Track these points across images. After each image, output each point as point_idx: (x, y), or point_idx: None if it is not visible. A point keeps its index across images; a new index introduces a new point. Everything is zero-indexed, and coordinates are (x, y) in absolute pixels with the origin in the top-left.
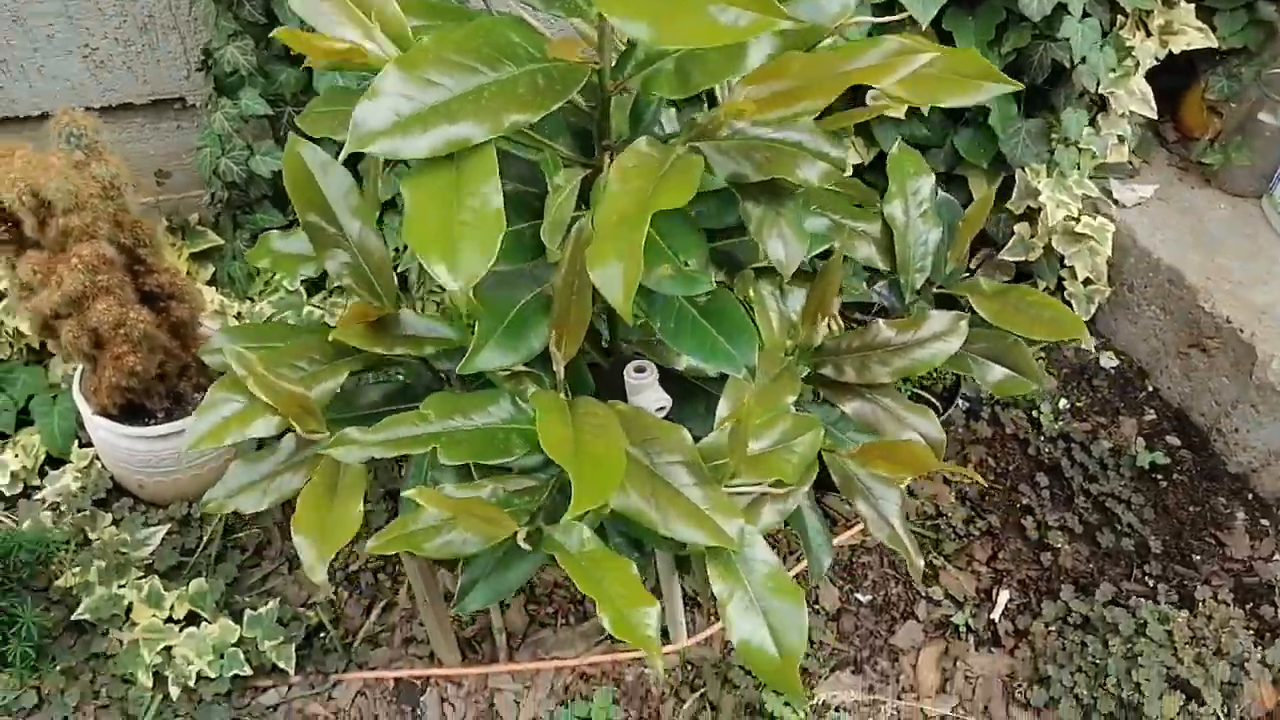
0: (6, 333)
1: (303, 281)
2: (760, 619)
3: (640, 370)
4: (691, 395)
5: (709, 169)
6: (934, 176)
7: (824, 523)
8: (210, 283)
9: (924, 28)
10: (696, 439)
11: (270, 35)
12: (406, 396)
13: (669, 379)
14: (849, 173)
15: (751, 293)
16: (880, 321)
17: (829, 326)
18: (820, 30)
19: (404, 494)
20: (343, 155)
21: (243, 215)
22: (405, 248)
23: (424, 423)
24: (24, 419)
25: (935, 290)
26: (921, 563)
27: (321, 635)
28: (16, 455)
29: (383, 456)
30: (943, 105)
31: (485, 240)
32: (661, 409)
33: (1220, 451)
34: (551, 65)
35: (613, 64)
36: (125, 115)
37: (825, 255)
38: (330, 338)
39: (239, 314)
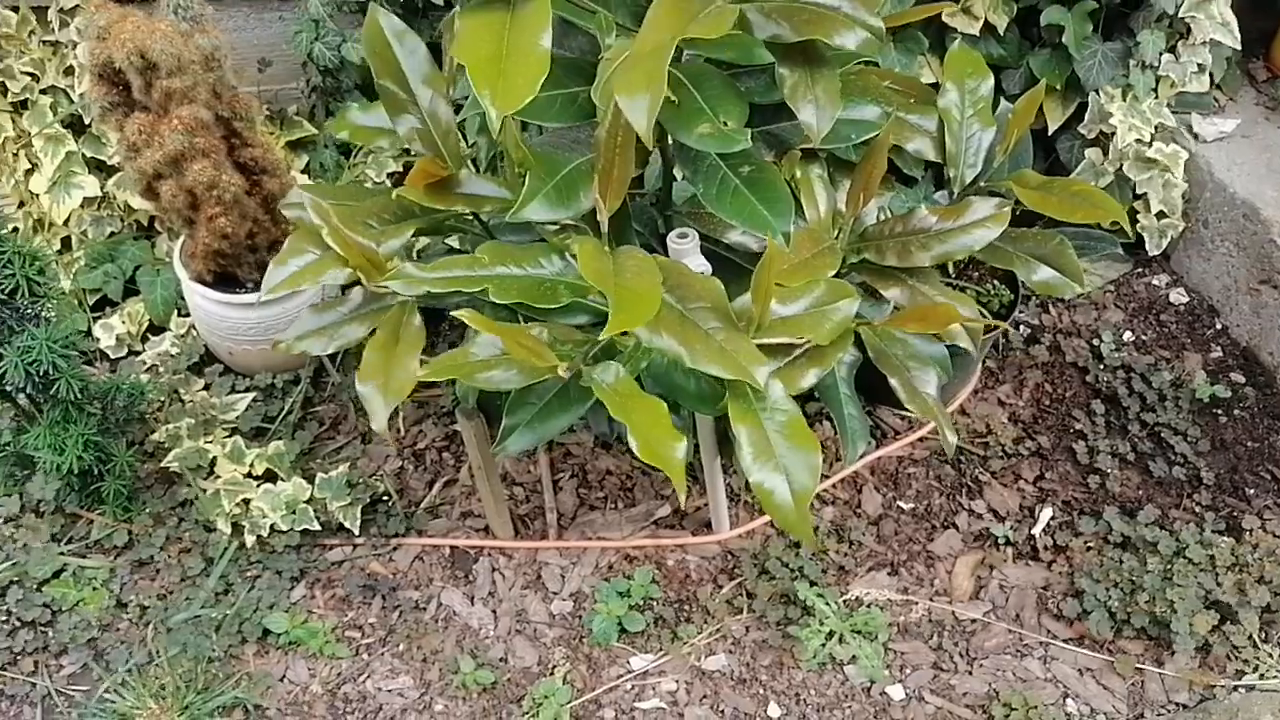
0: (118, 207)
1: (389, 174)
2: (775, 461)
3: (683, 236)
4: (737, 271)
5: (749, 29)
6: (993, 78)
7: (861, 410)
8: (304, 171)
9: None
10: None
11: None
12: None
13: (715, 257)
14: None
15: (799, 173)
16: (923, 207)
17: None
18: None
19: (453, 314)
20: (398, 22)
21: (335, 103)
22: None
23: (478, 265)
24: (130, 289)
25: (984, 185)
26: (954, 439)
27: (386, 501)
28: (122, 321)
29: (439, 291)
30: None
31: (529, 76)
32: (701, 274)
33: None
34: None
35: None
36: (234, 3)
37: None
38: (395, 194)
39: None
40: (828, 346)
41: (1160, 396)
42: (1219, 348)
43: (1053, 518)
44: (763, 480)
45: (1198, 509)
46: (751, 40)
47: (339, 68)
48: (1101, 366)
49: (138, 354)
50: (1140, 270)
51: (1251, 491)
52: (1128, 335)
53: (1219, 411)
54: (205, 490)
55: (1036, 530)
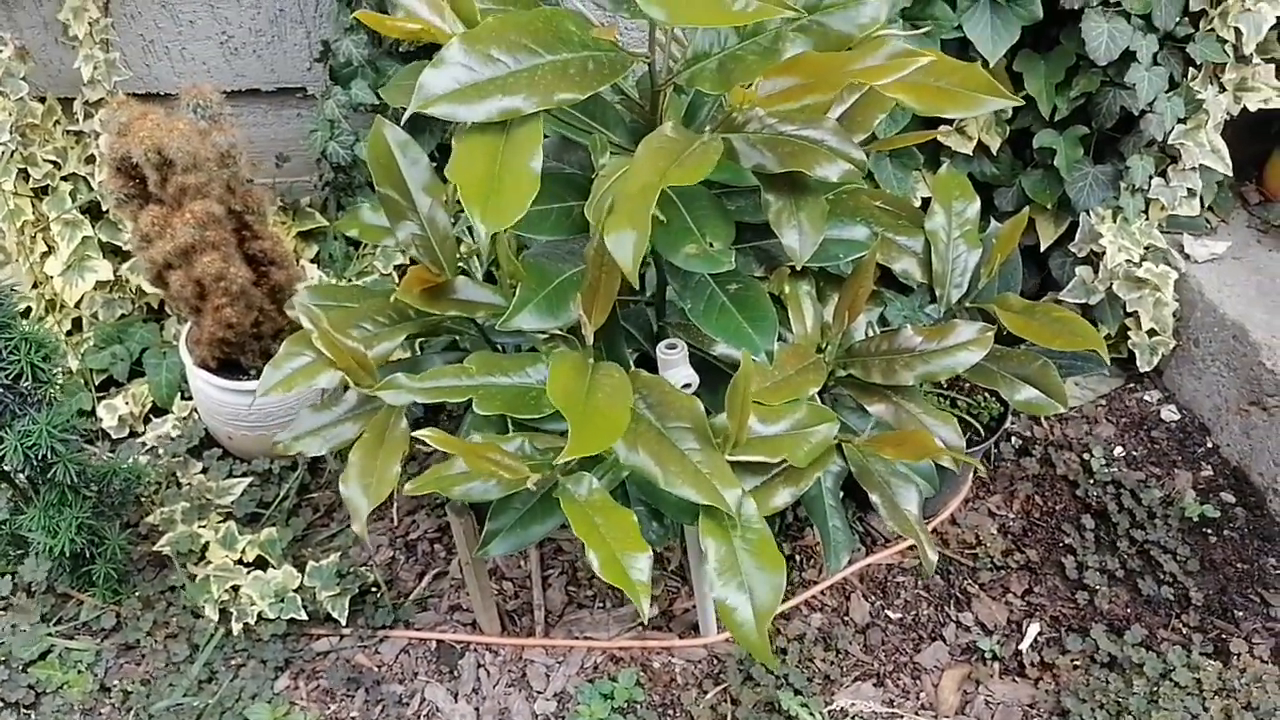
0: (130, 290)
1: (396, 267)
2: (740, 579)
3: (671, 347)
4: (724, 383)
5: (735, 159)
6: (979, 201)
7: (846, 521)
8: (314, 261)
9: (992, 65)
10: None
11: (354, 14)
12: None
13: (705, 366)
14: (918, 203)
15: (787, 289)
16: (909, 326)
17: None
18: (849, 38)
19: (416, 434)
20: (406, 115)
21: (346, 198)
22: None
23: (465, 375)
24: (136, 370)
25: (969, 305)
26: (935, 557)
27: (374, 592)
28: (126, 402)
29: (425, 402)
30: (946, 115)
31: (520, 194)
32: (688, 386)
33: (1276, 513)
34: (602, 53)
35: (666, 62)
36: (252, 100)
37: None
38: (392, 299)
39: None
40: (805, 468)
41: (1150, 514)
42: (1210, 466)
43: (1040, 633)
44: (726, 597)
45: (1185, 630)
46: (739, 166)
47: (351, 165)
48: (1092, 481)
49: (139, 435)
50: (1132, 385)
51: (1240, 614)
52: (1119, 450)
53: (1209, 531)
54: (195, 576)
55: (1024, 646)
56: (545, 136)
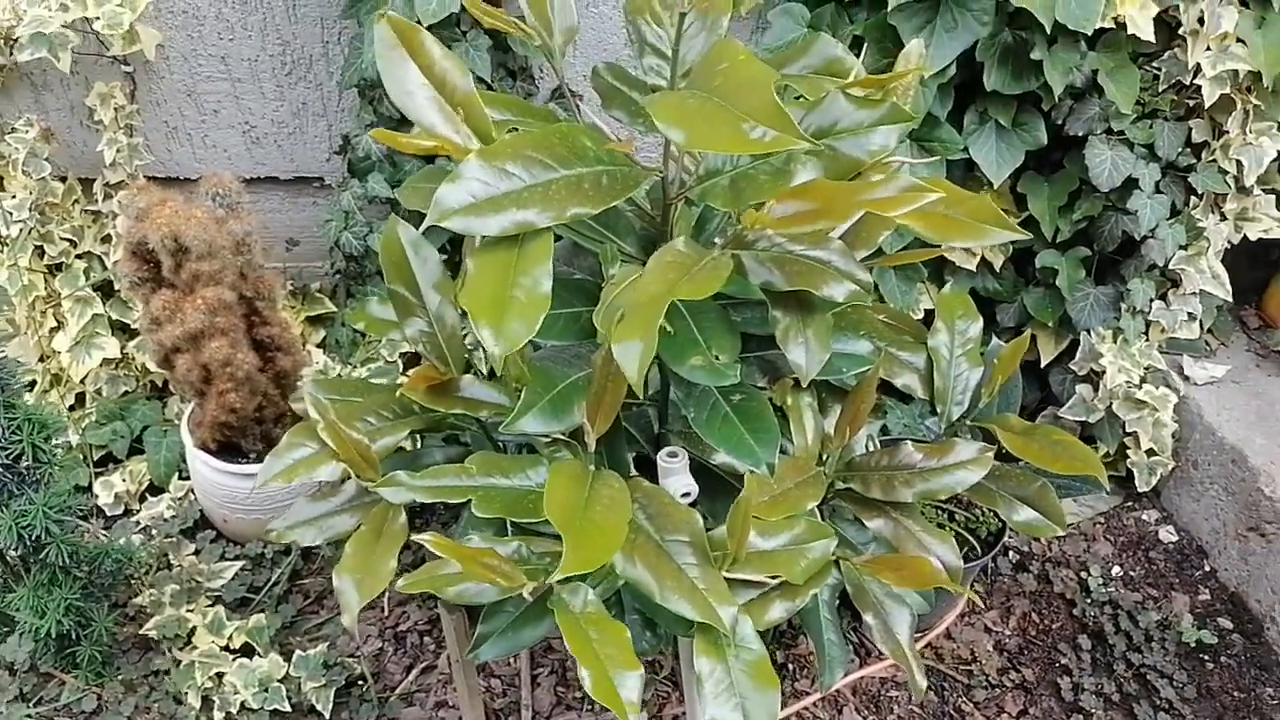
0: (135, 368)
1: (401, 354)
2: (736, 700)
3: (672, 455)
4: (724, 490)
5: (744, 274)
6: (981, 320)
7: (842, 637)
8: (321, 345)
9: (996, 186)
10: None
11: (357, 135)
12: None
13: (705, 473)
14: (919, 317)
15: (789, 400)
16: (908, 443)
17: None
18: (859, 163)
19: (415, 537)
20: (423, 227)
21: (356, 286)
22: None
23: (466, 476)
24: (136, 448)
25: (970, 424)
26: (924, 683)
27: (361, 685)
28: (123, 479)
29: (425, 500)
30: (954, 243)
31: (530, 315)
32: (687, 495)
33: (1273, 641)
34: (616, 168)
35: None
36: (270, 187)
37: None
38: (398, 394)
39: (339, 375)
40: (801, 585)
41: (1147, 637)
42: (1207, 590)
43: None
44: (721, 717)
45: None
46: (746, 281)
47: (364, 255)
48: (1089, 600)
49: (134, 513)
50: (1130, 504)
51: None
52: (1116, 570)
53: (1206, 657)
54: (180, 661)
55: None
56: (557, 239)
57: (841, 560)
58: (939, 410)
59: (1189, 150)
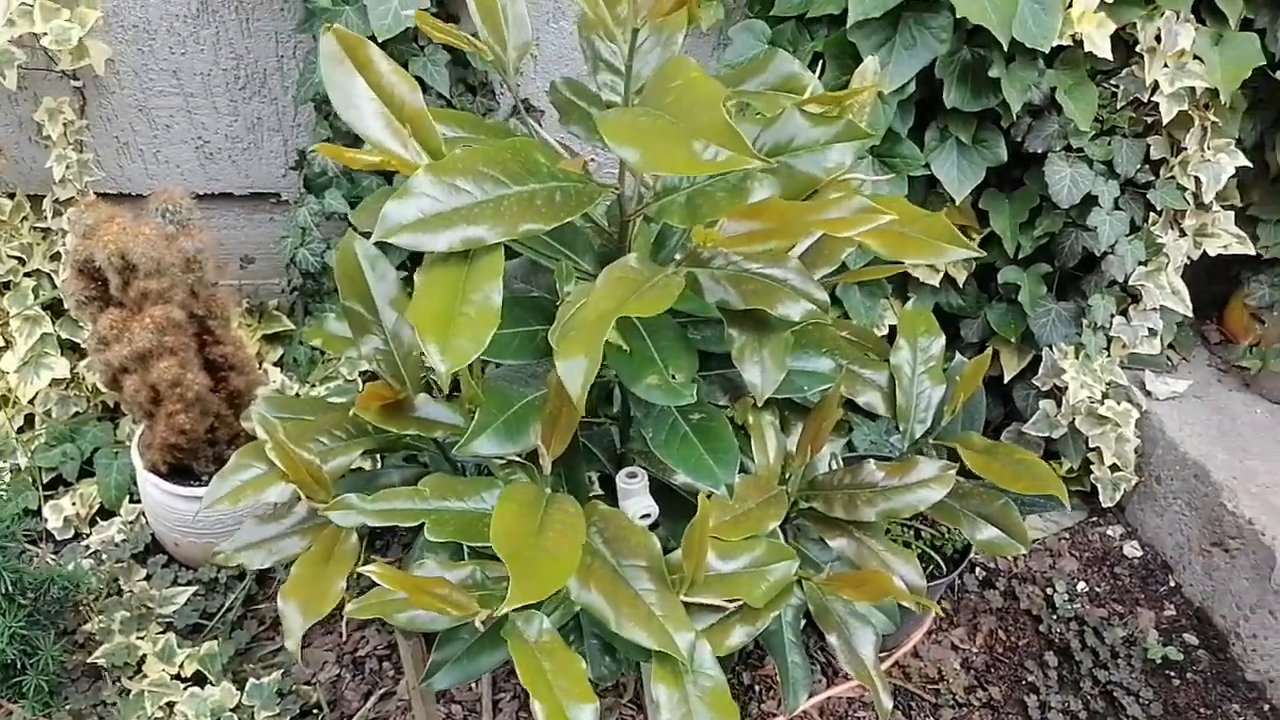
0: (86, 388)
1: (360, 373)
2: None
3: (632, 476)
4: (686, 511)
5: (699, 292)
6: (944, 338)
7: (806, 658)
8: (278, 364)
9: (958, 203)
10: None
11: (312, 150)
12: None
13: (665, 493)
14: (883, 332)
15: (750, 419)
16: (871, 461)
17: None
18: (816, 180)
19: (362, 569)
20: (370, 241)
21: (314, 304)
22: None
23: (419, 498)
24: (87, 470)
25: (933, 442)
26: (890, 704)
27: (316, 714)
28: (73, 503)
29: (376, 524)
30: (911, 261)
31: (478, 332)
32: (647, 516)
33: (1238, 656)
34: (570, 184)
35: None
36: (224, 203)
37: None
38: (351, 413)
39: (296, 394)
40: (762, 608)
41: (1113, 653)
42: (1172, 606)
43: None
44: None
45: None
46: (705, 300)
47: (321, 271)
48: (1055, 617)
49: (84, 537)
50: (1095, 520)
51: None
52: (1081, 586)
53: (1172, 673)
54: (129, 691)
55: None
56: (517, 256)
57: (804, 580)
58: (902, 428)
59: (1148, 167)
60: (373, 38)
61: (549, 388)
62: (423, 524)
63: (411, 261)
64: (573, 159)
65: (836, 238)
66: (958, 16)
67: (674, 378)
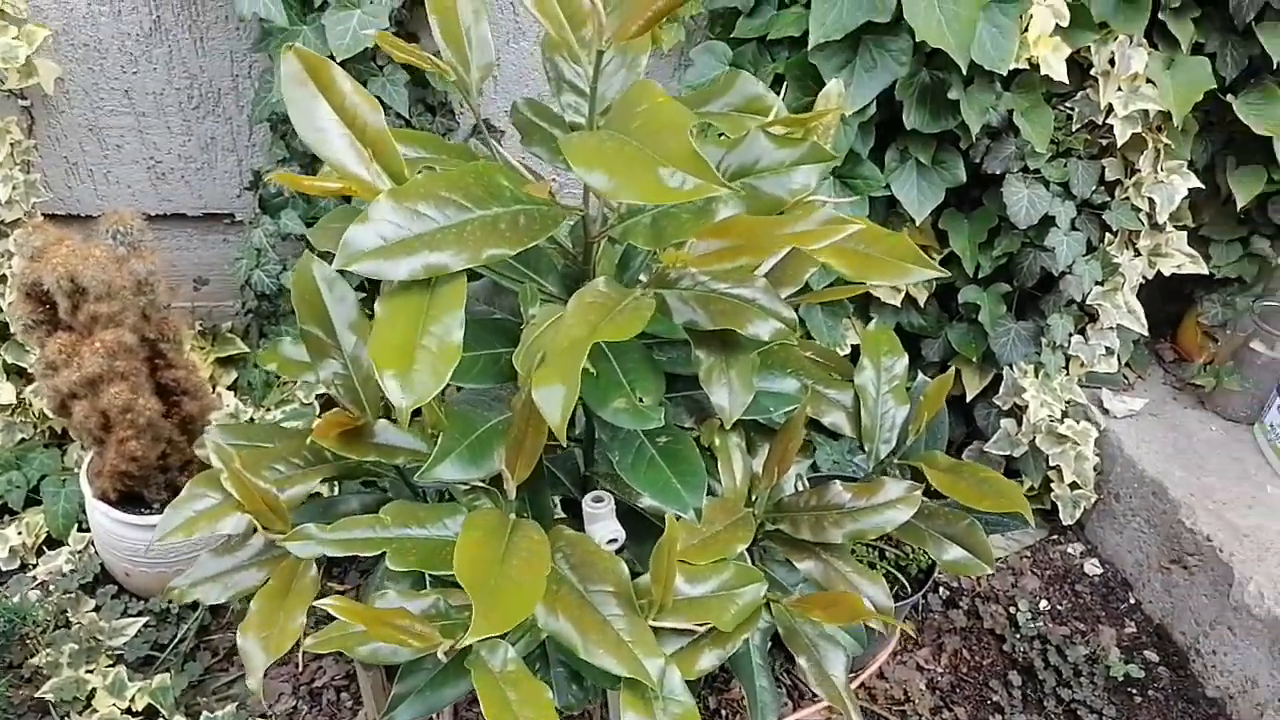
0: (32, 414)
1: (317, 396)
2: None
3: (598, 500)
4: (653, 534)
5: (668, 314)
6: (907, 357)
7: (773, 681)
8: (232, 388)
9: (919, 223)
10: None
11: (268, 177)
12: None
13: (632, 516)
14: (845, 352)
15: (717, 441)
16: (837, 482)
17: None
18: (781, 202)
19: (318, 603)
20: (330, 270)
21: (269, 326)
22: None
23: (380, 527)
24: (33, 498)
25: (898, 462)
26: None
27: None
28: (19, 532)
29: (336, 555)
30: (874, 281)
31: (439, 367)
32: (614, 540)
33: (1198, 673)
34: (534, 207)
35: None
36: (177, 224)
37: None
38: (309, 440)
39: (251, 419)
40: (731, 631)
41: (1076, 671)
42: (1133, 623)
43: None
44: None
45: None
46: (672, 321)
47: (277, 293)
48: (1018, 636)
49: (30, 568)
50: (1056, 537)
51: None
52: (1044, 604)
53: (1134, 691)
54: None
55: None
56: (478, 278)
57: (772, 602)
58: (867, 448)
59: (1103, 188)
60: (331, 57)
61: (513, 411)
62: (383, 553)
63: (370, 283)
64: (539, 183)
65: (801, 258)
66: (917, 40)
67: (641, 401)
